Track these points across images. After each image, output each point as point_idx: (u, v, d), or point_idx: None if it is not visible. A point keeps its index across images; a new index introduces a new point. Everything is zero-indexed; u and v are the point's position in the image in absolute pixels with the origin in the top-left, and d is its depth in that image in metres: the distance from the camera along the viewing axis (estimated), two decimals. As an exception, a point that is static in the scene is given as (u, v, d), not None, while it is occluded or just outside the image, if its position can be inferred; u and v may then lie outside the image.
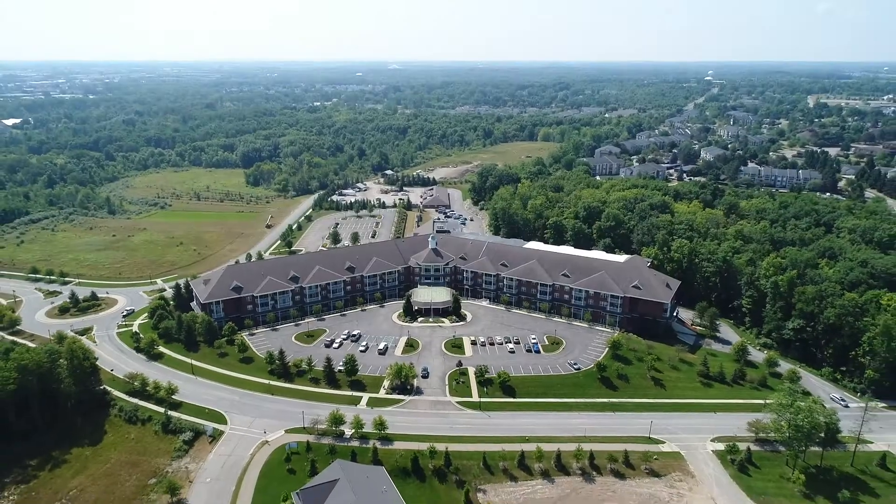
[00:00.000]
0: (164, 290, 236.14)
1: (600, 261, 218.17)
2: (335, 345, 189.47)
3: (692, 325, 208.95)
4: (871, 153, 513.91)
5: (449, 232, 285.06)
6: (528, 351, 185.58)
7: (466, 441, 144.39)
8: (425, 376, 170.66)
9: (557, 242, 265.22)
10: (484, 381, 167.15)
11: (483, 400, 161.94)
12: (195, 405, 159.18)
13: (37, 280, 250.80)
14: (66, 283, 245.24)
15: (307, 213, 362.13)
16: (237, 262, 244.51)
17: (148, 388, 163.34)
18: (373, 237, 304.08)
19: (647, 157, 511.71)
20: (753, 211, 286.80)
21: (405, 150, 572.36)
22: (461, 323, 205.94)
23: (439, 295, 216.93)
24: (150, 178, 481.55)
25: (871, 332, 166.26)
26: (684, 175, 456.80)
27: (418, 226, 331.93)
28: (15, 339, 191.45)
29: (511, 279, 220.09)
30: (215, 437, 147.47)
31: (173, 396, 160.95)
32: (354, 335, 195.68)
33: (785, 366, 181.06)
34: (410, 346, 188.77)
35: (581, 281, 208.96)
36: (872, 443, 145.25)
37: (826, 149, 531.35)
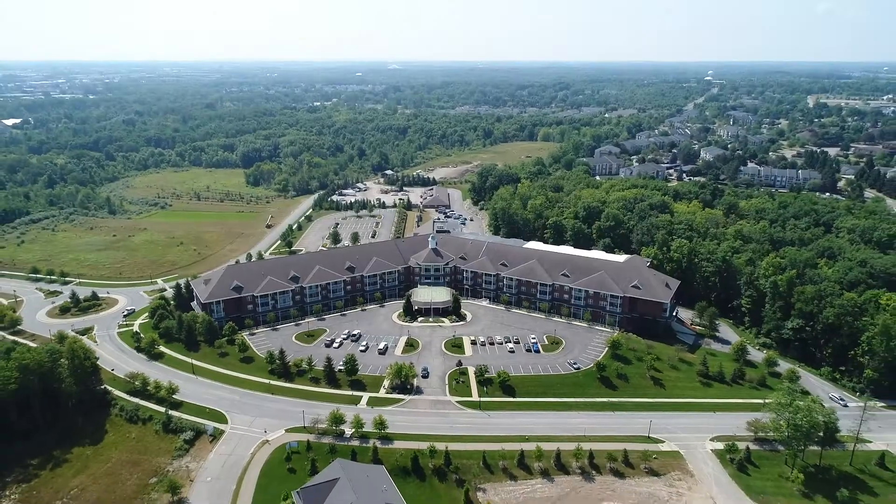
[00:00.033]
0: (165, 289, 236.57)
1: (600, 261, 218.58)
2: (335, 344, 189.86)
3: (691, 324, 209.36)
4: (871, 153, 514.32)
5: (449, 232, 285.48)
6: (528, 350, 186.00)
7: (466, 440, 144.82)
8: (425, 376, 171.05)
9: (557, 242, 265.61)
10: (484, 381, 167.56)
11: (483, 399, 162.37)
12: (196, 405, 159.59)
13: (37, 280, 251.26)
14: (66, 283, 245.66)
15: (307, 213, 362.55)
16: (237, 262, 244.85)
17: (149, 388, 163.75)
18: (373, 237, 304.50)
19: (647, 157, 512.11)
20: (753, 211, 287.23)
21: (405, 150, 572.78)
22: (461, 323, 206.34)
23: (439, 295, 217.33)
24: (151, 178, 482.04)
25: (870, 332, 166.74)
26: (684, 175, 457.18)
27: (418, 226, 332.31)
28: (16, 338, 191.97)
29: (511, 279, 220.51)
30: (216, 436, 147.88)
31: (174, 396, 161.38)
32: (354, 335, 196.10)
33: (784, 365, 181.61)
34: (410, 345, 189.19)
35: (581, 281, 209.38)
36: (871, 442, 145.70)
37: (826, 149, 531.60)
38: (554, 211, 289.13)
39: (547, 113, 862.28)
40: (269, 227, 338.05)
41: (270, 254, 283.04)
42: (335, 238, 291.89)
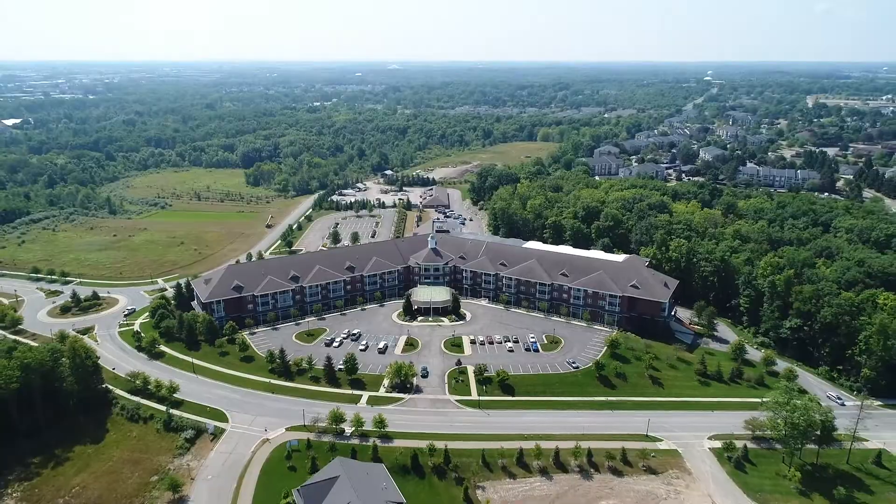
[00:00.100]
0: (165, 289, 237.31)
1: (599, 260, 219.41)
2: (335, 344, 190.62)
3: (690, 324, 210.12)
4: (870, 153, 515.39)
5: (448, 232, 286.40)
6: (527, 350, 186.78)
7: (465, 439, 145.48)
8: (425, 375, 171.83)
9: (556, 242, 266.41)
10: (483, 380, 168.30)
11: (482, 398, 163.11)
12: (196, 403, 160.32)
13: (38, 280, 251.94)
14: (67, 283, 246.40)
15: (307, 213, 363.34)
16: (238, 262, 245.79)
17: (149, 387, 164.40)
18: (373, 237, 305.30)
19: (646, 158, 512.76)
20: (751, 211, 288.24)
21: (405, 150, 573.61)
22: (460, 322, 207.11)
23: (439, 294, 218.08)
24: (151, 178, 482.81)
25: (868, 331, 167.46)
26: (683, 175, 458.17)
27: (418, 226, 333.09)
28: (17, 338, 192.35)
29: (510, 278, 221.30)
30: (217, 435, 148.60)
31: (175, 395, 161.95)
32: (354, 334, 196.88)
33: (782, 364, 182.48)
34: (410, 345, 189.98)
35: (580, 280, 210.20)
36: (868, 441, 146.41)
37: (824, 149, 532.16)
38: (553, 211, 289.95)
39: (546, 113, 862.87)
40: (269, 226, 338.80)
41: (270, 254, 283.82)
42: (335, 238, 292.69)
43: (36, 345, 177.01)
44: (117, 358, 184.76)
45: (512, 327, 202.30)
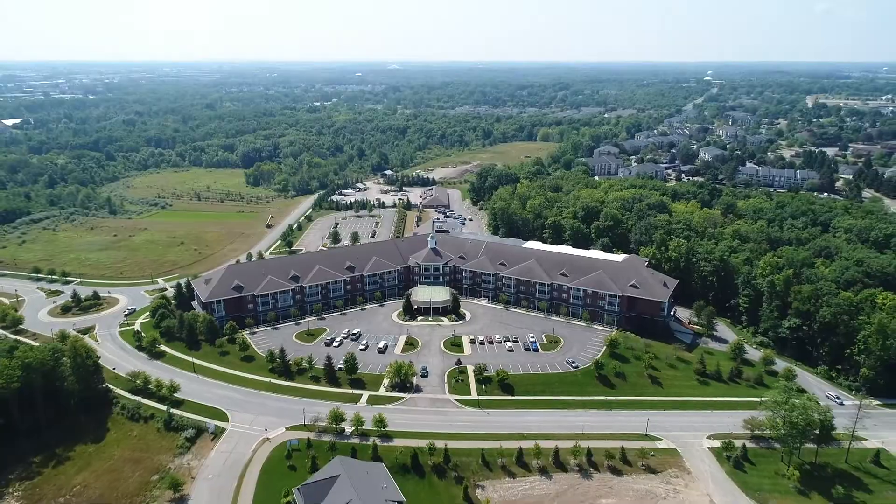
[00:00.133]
0: (166, 289, 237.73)
1: (598, 260, 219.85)
2: (335, 343, 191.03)
3: (689, 323, 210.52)
4: (869, 153, 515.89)
5: (448, 232, 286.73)
6: (527, 349, 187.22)
7: (465, 438, 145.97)
8: (424, 374, 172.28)
9: (556, 242, 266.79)
10: (483, 380, 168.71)
11: (482, 398, 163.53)
12: (197, 403, 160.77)
13: (39, 280, 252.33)
14: (67, 283, 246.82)
15: (307, 213, 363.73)
16: (238, 262, 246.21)
17: (150, 386, 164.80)
18: (372, 237, 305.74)
19: (646, 158, 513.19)
20: (750, 211, 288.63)
21: (405, 150, 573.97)
22: (460, 322, 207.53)
23: (438, 294, 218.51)
24: (151, 178, 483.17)
25: (866, 331, 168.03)
26: (682, 175, 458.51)
27: (418, 226, 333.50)
28: (18, 338, 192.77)
29: (510, 278, 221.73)
30: (217, 434, 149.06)
31: (175, 394, 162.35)
32: (354, 334, 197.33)
33: (781, 364, 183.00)
34: (410, 344, 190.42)
35: (579, 280, 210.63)
36: (866, 440, 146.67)
37: (824, 149, 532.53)
38: (553, 211, 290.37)
39: (546, 113, 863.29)
40: (269, 226, 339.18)
41: (271, 253, 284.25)
42: (335, 238, 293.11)
43: (37, 344, 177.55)
44: (118, 357, 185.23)
45: (511, 327, 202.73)
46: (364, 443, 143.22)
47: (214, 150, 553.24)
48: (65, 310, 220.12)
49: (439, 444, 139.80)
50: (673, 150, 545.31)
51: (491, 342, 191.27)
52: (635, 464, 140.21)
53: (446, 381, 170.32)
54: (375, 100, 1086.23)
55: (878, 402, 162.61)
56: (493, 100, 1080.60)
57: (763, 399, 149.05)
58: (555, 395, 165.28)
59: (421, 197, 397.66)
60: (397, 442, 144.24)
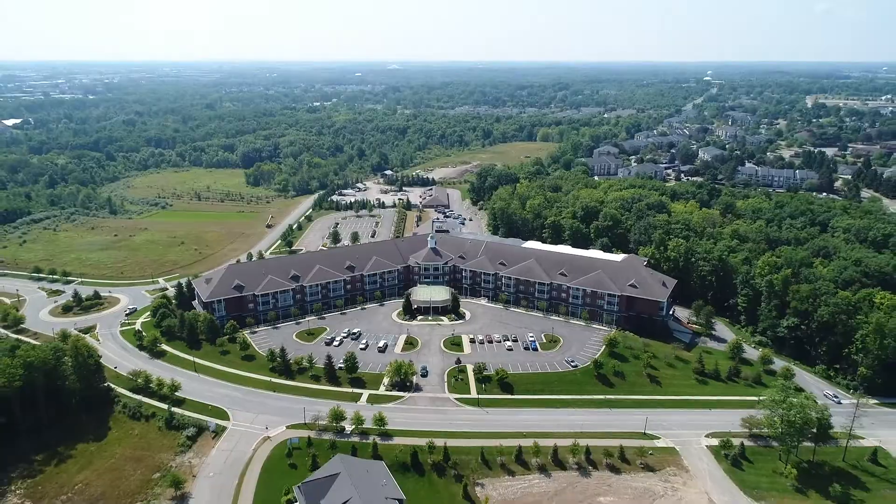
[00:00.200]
0: (167, 289, 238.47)
1: (598, 260, 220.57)
2: (335, 343, 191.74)
3: (688, 323, 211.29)
4: (868, 153, 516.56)
5: (448, 231, 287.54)
6: (526, 349, 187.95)
7: (465, 437, 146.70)
8: (424, 374, 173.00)
9: (555, 242, 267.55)
10: (482, 379, 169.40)
11: (481, 397, 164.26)
12: (198, 402, 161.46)
13: (40, 279, 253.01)
14: (68, 283, 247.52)
15: (307, 213, 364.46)
16: (238, 262, 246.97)
17: (151, 385, 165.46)
18: (372, 237, 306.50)
19: (645, 158, 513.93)
20: (749, 211, 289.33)
21: (405, 150, 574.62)
22: (460, 321, 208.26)
23: (438, 294, 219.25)
24: (151, 178, 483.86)
25: (864, 330, 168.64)
26: (682, 175, 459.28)
27: (417, 225, 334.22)
28: (19, 337, 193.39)
29: (509, 278, 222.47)
30: (218, 432, 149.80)
31: (176, 393, 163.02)
32: (355, 333, 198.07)
33: (779, 363, 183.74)
34: (410, 343, 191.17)
35: (578, 280, 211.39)
36: (864, 438, 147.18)
37: (823, 149, 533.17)
38: (552, 211, 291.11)
39: (546, 113, 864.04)
40: (269, 226, 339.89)
41: (271, 253, 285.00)
42: (335, 238, 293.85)
43: (38, 344, 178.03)
44: (119, 357, 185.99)
45: (511, 326, 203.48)
46: (364, 441, 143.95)
47: (214, 150, 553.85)
48: (66, 309, 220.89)
49: (439, 442, 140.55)
50: (672, 151, 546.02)
51: (490, 341, 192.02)
52: (634, 462, 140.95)
53: (446, 380, 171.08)
54: (375, 100, 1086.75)
55: (876, 401, 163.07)
56: (493, 100, 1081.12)
57: (761, 398, 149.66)
58: (554, 394, 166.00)
59: (421, 197, 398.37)
60: (397, 440, 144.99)
